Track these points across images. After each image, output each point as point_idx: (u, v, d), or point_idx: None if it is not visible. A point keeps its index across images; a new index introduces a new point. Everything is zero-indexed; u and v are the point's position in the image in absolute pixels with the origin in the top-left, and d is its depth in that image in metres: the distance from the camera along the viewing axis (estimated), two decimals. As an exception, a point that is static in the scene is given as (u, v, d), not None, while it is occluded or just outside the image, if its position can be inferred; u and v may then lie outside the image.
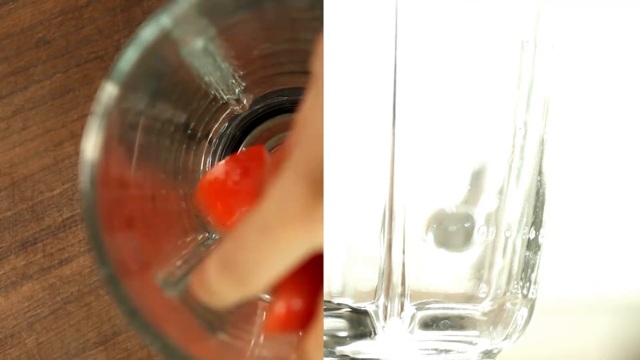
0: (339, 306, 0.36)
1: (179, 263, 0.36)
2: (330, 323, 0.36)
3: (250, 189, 0.32)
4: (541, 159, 0.37)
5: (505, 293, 0.37)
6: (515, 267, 0.37)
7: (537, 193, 0.37)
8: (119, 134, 0.30)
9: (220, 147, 0.43)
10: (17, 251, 0.42)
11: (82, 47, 0.42)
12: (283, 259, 0.26)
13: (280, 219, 0.25)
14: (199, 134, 0.40)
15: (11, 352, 0.42)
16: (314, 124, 0.26)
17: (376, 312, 0.36)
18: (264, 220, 0.26)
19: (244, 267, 0.26)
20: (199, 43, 0.32)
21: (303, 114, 0.27)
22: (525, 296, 0.38)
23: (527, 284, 0.38)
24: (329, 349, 0.36)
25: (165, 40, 0.29)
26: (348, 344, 0.36)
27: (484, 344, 0.37)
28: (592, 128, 0.51)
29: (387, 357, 0.36)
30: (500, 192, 0.36)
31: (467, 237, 0.36)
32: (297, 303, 0.29)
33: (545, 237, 0.38)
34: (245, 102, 0.41)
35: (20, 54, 0.42)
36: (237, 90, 0.40)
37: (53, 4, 0.42)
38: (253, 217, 0.26)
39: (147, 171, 0.35)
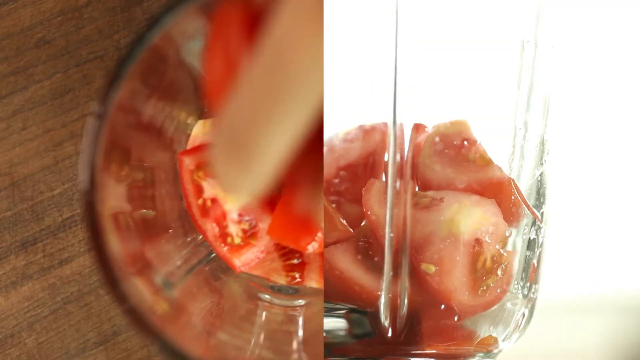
0: (339, 306, 0.36)
1: (179, 263, 0.36)
2: (330, 323, 0.36)
3: None
4: (541, 159, 0.37)
5: (505, 293, 0.37)
6: (515, 267, 0.37)
7: (537, 193, 0.37)
8: (119, 134, 0.30)
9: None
10: (17, 251, 0.42)
11: (82, 47, 0.42)
12: (287, 123, 0.22)
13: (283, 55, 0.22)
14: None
15: (11, 352, 0.42)
16: None
17: (376, 312, 0.36)
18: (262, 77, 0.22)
19: (247, 142, 0.23)
20: (198, 43, 0.32)
21: None
22: (525, 296, 0.38)
23: (527, 284, 0.38)
24: (329, 349, 0.36)
25: (165, 40, 0.29)
26: (348, 344, 0.36)
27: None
28: (592, 128, 0.51)
29: (387, 357, 0.36)
30: (500, 192, 0.36)
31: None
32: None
33: (545, 237, 0.38)
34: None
35: (20, 54, 0.42)
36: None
37: (53, 4, 0.42)
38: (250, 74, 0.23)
39: (147, 171, 0.35)
